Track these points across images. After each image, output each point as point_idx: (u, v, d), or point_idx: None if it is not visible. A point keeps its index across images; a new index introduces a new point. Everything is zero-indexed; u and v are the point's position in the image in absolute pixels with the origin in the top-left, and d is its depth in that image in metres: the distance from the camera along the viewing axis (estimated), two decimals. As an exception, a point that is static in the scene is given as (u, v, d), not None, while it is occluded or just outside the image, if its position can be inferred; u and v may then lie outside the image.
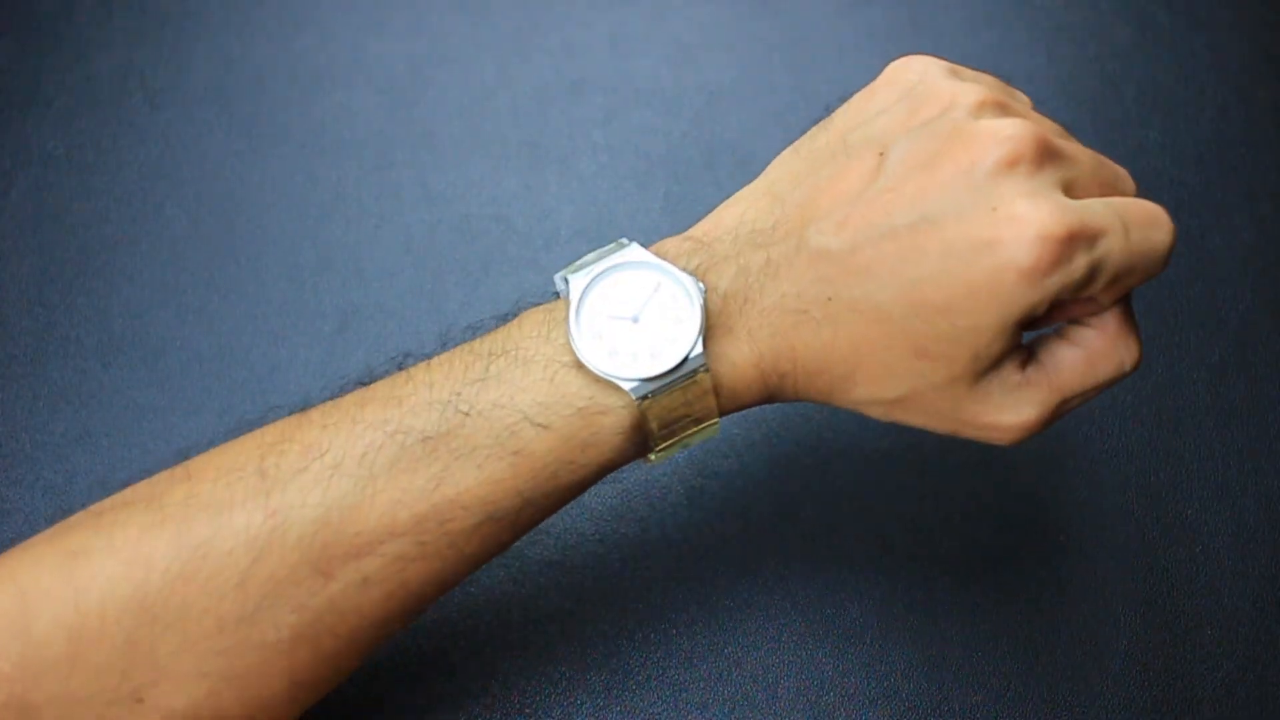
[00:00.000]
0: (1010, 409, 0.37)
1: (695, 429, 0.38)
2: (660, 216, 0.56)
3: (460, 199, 0.56)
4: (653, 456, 0.38)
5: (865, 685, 0.47)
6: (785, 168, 0.39)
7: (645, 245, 0.38)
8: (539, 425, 0.36)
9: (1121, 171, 0.39)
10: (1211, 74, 0.58)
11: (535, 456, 0.36)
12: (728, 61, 0.58)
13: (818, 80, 0.58)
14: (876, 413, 0.38)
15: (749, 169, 0.55)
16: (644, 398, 0.36)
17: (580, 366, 0.36)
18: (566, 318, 0.37)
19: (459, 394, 0.36)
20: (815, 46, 0.58)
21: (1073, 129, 0.58)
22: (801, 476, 0.51)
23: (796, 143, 0.40)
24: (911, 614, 0.49)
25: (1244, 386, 0.53)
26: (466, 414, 0.35)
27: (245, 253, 0.54)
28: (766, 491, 0.50)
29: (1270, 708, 0.47)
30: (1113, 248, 0.34)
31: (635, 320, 0.37)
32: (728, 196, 0.41)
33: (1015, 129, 0.35)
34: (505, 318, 0.39)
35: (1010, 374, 0.36)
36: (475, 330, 0.39)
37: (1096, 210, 0.35)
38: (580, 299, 0.37)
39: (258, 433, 0.37)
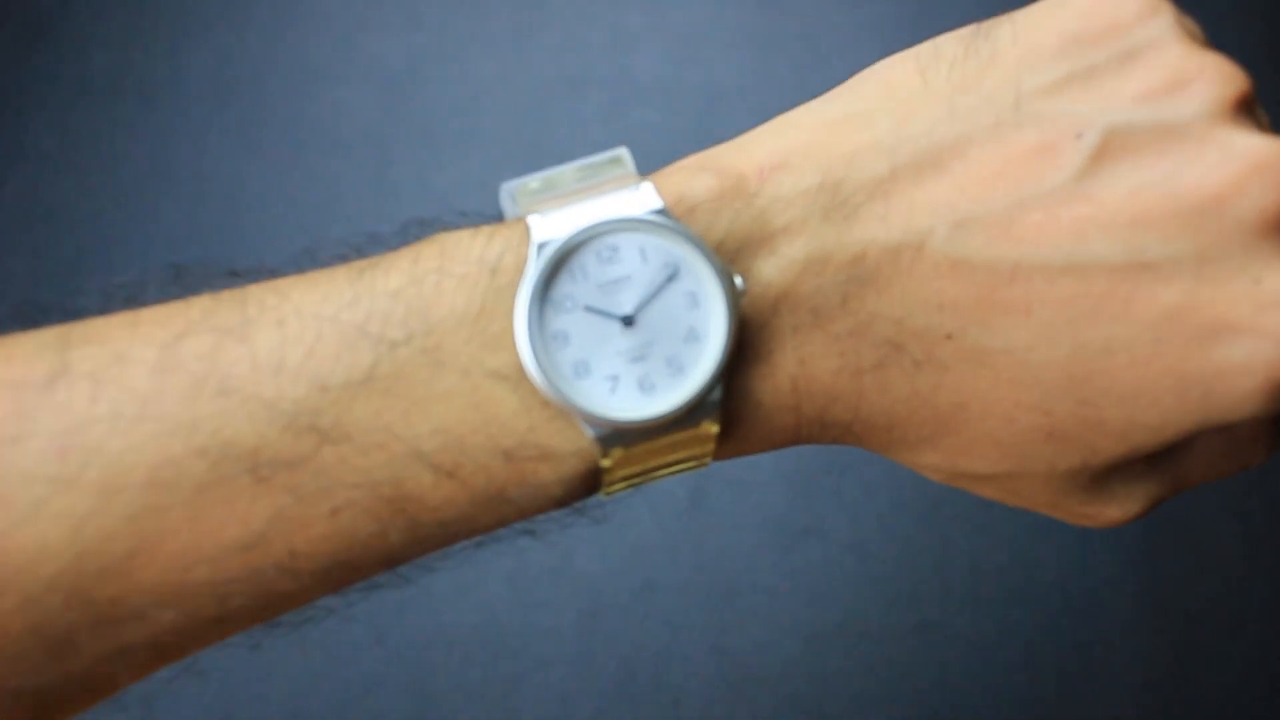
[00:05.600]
0: (1120, 502, 0.27)
1: (670, 473, 0.25)
2: (661, 215, 0.56)
3: (459, 196, 0.56)
4: (602, 494, 0.25)
5: (868, 686, 0.47)
6: (896, 92, 0.26)
7: (645, 174, 0.25)
8: (437, 469, 0.23)
9: None
10: (1218, 71, 0.58)
11: (423, 510, 0.23)
12: (730, 58, 0.58)
13: (821, 76, 0.58)
14: (939, 478, 0.27)
15: (751, 167, 0.55)
16: (613, 445, 0.23)
17: (522, 380, 0.23)
18: (517, 295, 0.23)
19: (321, 397, 0.22)
20: (818, 42, 0.58)
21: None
22: (805, 476, 0.50)
23: (917, 51, 0.26)
24: (914, 615, 0.48)
25: (1250, 387, 0.53)
26: (325, 436, 0.22)
27: (241, 250, 0.54)
28: (769, 492, 0.50)
29: (1276, 711, 0.47)
30: None
31: (627, 322, 0.23)
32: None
33: None
34: (412, 228, 0.25)
35: (1138, 463, 0.26)
36: (362, 248, 0.24)
37: None
38: (546, 268, 0.23)
39: None
